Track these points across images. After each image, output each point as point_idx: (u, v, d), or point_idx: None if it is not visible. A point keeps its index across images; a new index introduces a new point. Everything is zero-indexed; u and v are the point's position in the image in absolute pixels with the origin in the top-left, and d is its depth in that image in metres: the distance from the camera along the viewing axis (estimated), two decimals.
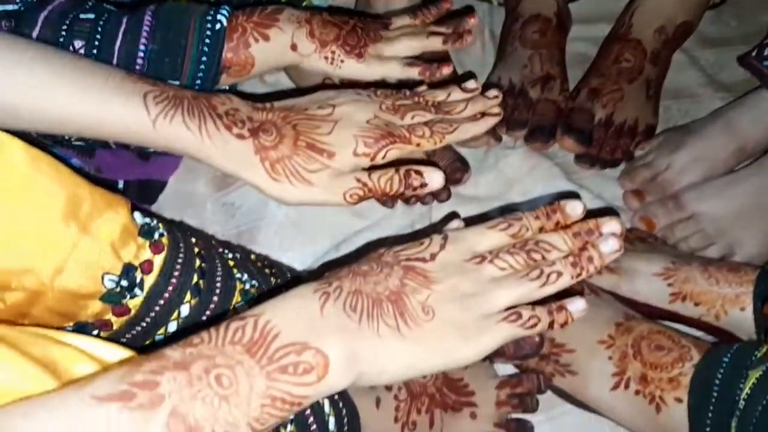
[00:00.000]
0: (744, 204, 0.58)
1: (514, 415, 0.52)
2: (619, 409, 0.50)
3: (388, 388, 0.49)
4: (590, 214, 0.40)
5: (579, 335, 0.52)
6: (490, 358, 0.53)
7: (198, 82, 0.46)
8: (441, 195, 0.62)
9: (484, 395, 0.51)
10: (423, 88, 0.48)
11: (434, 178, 0.42)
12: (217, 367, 0.29)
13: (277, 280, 0.49)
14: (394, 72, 0.49)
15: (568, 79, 0.69)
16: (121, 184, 0.63)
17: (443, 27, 0.52)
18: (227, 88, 0.51)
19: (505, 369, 0.54)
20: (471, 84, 0.47)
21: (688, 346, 0.48)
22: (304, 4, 0.62)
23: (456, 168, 0.63)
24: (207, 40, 0.45)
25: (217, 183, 0.65)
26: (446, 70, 0.50)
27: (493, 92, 0.47)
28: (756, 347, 0.45)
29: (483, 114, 0.46)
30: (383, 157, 0.42)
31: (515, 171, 0.65)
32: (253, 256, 0.51)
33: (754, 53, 0.63)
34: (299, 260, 0.61)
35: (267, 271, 0.50)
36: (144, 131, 0.39)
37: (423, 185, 0.42)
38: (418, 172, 0.42)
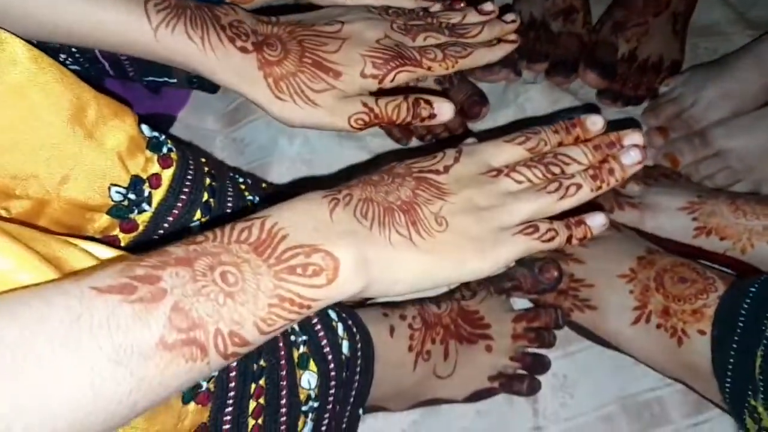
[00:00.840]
0: None
1: (531, 350, 0.51)
2: (640, 343, 0.48)
3: (402, 316, 0.48)
4: (613, 127, 0.38)
5: (599, 270, 0.50)
6: (508, 291, 0.51)
7: None
8: (457, 131, 0.61)
9: (499, 328, 0.50)
10: (437, 7, 0.45)
11: (444, 109, 0.40)
12: (222, 264, 0.27)
13: None
14: None
15: (592, 12, 0.66)
16: None
17: None
18: None
19: (522, 304, 0.53)
20: (488, 6, 0.45)
21: (713, 278, 0.46)
22: None
23: (474, 102, 0.60)
24: None
25: (227, 119, 0.64)
26: None
27: (510, 16, 0.44)
28: None
29: (499, 40, 0.44)
30: (392, 80, 0.40)
31: (535, 107, 0.63)
32: (264, 184, 0.50)
33: None
34: None
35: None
36: (145, 41, 0.37)
37: (432, 116, 0.40)
38: (428, 102, 0.40)
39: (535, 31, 0.64)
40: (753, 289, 0.44)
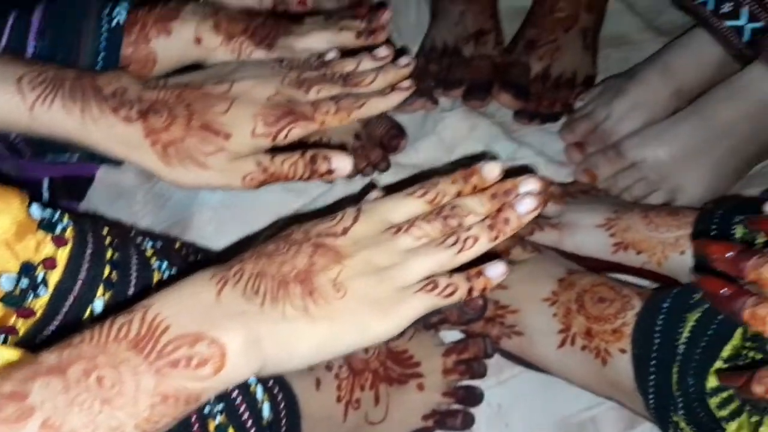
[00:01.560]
0: (683, 147, 0.57)
1: (463, 382, 0.51)
2: (568, 366, 0.49)
3: (328, 367, 0.48)
4: (512, 173, 0.38)
5: (523, 295, 0.51)
6: (435, 325, 0.51)
7: None
8: (380, 165, 0.61)
9: (430, 364, 0.50)
10: (333, 54, 0.45)
11: (343, 164, 0.40)
12: (98, 367, 0.27)
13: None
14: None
15: (505, 33, 0.67)
16: (46, 183, 0.61)
17: (356, 21, 0.49)
18: None
19: (453, 336, 0.53)
20: (382, 51, 0.45)
21: (629, 296, 0.47)
22: None
23: (392, 135, 0.61)
24: (104, 34, 0.43)
25: (147, 173, 0.62)
26: (381, 37, 0.48)
27: (404, 60, 0.44)
28: (694, 289, 0.44)
29: (393, 87, 0.44)
30: (285, 137, 0.40)
31: (455, 133, 0.64)
32: (177, 244, 0.49)
33: None
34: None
35: (192, 258, 0.48)
36: (21, 119, 0.36)
37: (330, 171, 0.40)
38: (325, 157, 0.40)
39: (448, 57, 0.65)
40: (665, 305, 0.44)
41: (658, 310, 0.44)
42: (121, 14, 0.43)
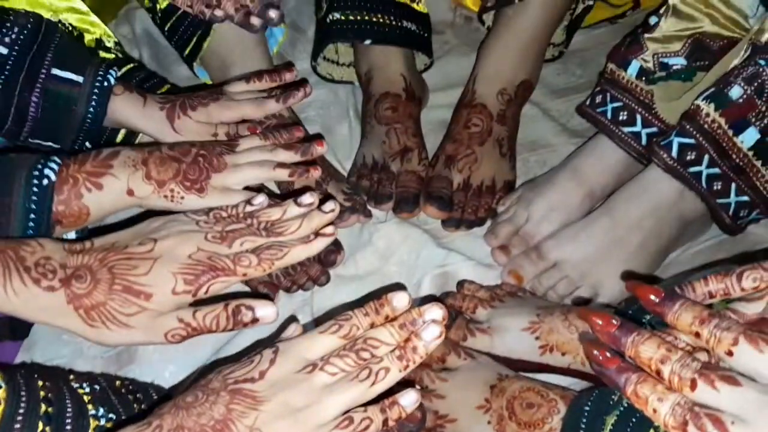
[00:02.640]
0: (598, 245, 0.61)
1: None
2: None
3: None
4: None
5: (459, 403, 0.52)
6: None
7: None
8: (320, 279, 0.63)
9: None
10: (260, 200, 0.47)
11: (267, 312, 0.42)
12: None
13: (141, 406, 0.48)
14: (236, 200, 0.49)
15: (428, 147, 0.72)
16: None
17: (292, 151, 0.53)
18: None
19: None
20: (307, 198, 0.47)
21: (555, 399, 0.49)
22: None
23: (329, 251, 0.64)
24: (34, 197, 0.45)
25: None
26: (315, 174, 0.52)
27: (329, 205, 0.47)
28: (612, 391, 0.46)
29: (317, 233, 0.46)
30: (206, 292, 0.42)
31: (389, 243, 0.67)
32: (118, 383, 0.50)
33: (588, 101, 0.68)
34: (182, 372, 0.60)
35: (131, 397, 0.49)
36: None
37: (254, 321, 0.42)
38: (249, 307, 0.42)
39: (378, 173, 0.69)
40: (587, 408, 0.47)
41: (581, 413, 0.47)
42: (50, 175, 0.46)
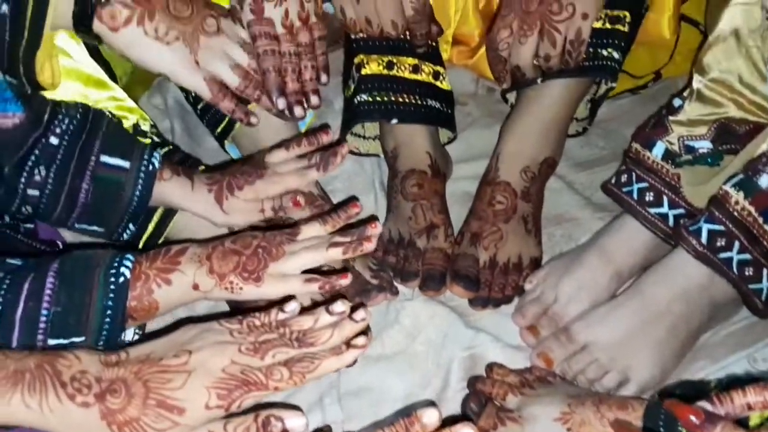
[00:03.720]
0: (628, 329, 0.61)
1: None
2: None
3: None
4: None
5: None
6: None
7: (104, 334, 0.47)
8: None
9: None
10: (293, 307, 0.48)
11: (296, 424, 0.42)
12: None
13: None
14: (294, 289, 0.50)
15: (453, 221, 0.73)
16: None
17: (347, 237, 0.54)
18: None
19: None
20: (338, 307, 0.47)
21: None
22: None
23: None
24: (111, 295, 0.46)
25: None
26: (344, 281, 0.52)
27: (360, 314, 0.47)
28: None
29: (349, 344, 0.46)
30: (238, 406, 0.42)
31: (416, 321, 0.67)
32: None
33: (613, 180, 0.68)
34: None
35: None
36: None
37: (284, 431, 0.42)
38: (279, 418, 0.42)
39: (404, 249, 0.70)
40: None
41: None
42: (125, 273, 0.47)
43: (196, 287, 0.49)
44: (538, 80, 0.70)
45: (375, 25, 0.68)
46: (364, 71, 0.71)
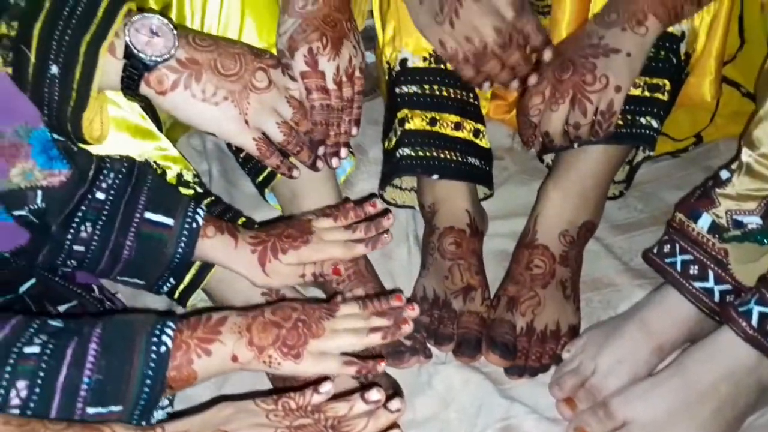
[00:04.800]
0: (669, 408, 0.59)
1: None
2: None
3: None
4: None
5: None
6: None
7: (141, 403, 0.46)
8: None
9: None
10: (327, 388, 0.47)
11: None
12: None
13: None
14: (331, 369, 0.50)
15: (489, 281, 0.72)
16: None
17: (385, 318, 0.54)
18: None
19: None
20: (374, 395, 0.47)
21: None
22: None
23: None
24: (152, 364, 0.46)
25: None
26: (381, 367, 0.52)
27: (395, 404, 0.47)
28: None
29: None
30: None
31: (449, 387, 0.66)
32: None
33: (655, 250, 0.67)
34: None
35: None
36: None
37: None
38: None
39: (439, 309, 0.68)
40: None
41: None
42: (167, 342, 0.47)
43: (235, 359, 0.49)
44: (574, 145, 0.69)
45: (477, 40, 0.66)
46: (407, 126, 0.71)
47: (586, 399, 0.62)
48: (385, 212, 0.64)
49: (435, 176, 0.72)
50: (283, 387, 0.62)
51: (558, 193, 0.71)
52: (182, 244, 0.56)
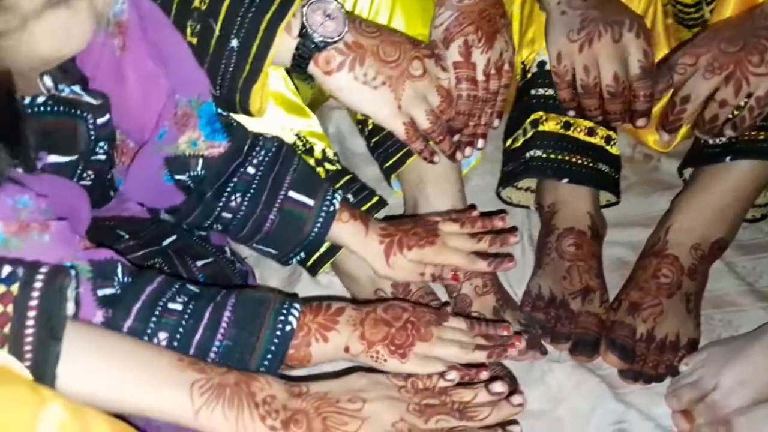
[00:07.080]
0: None
1: None
2: None
3: None
4: None
5: None
6: None
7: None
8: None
9: None
10: (452, 376, 0.50)
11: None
12: None
13: None
14: (434, 371, 0.51)
15: (607, 286, 0.72)
16: None
17: (491, 342, 0.55)
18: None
19: None
20: (498, 387, 0.50)
21: None
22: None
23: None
24: (276, 340, 0.50)
25: None
26: (483, 376, 0.52)
27: (517, 399, 0.49)
28: None
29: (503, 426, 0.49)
30: None
31: (561, 386, 0.66)
32: None
33: None
34: None
35: None
36: (186, 419, 0.42)
37: None
38: None
39: (556, 309, 0.69)
40: None
41: None
42: (292, 322, 0.50)
43: (346, 349, 0.52)
44: (711, 137, 0.66)
45: (593, 76, 0.64)
46: (541, 127, 0.72)
47: (704, 414, 0.62)
48: (513, 229, 0.65)
49: (565, 180, 0.73)
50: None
51: (696, 205, 0.70)
52: (318, 225, 0.59)
